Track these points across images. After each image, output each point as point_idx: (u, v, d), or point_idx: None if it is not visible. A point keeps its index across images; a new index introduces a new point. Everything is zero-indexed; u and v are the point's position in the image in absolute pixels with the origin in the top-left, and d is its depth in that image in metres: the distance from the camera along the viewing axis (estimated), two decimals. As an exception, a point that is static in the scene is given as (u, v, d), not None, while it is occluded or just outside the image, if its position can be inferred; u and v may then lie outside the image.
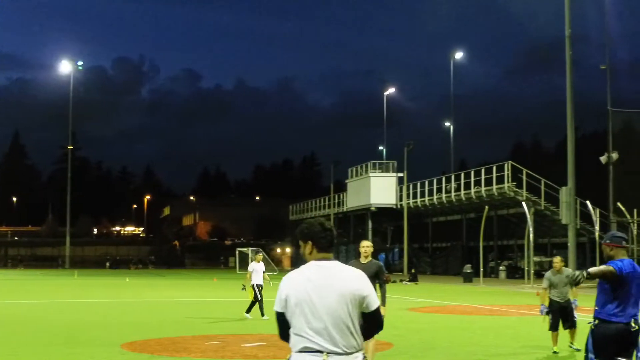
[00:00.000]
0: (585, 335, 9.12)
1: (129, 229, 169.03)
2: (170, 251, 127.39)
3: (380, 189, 78.42)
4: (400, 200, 76.64)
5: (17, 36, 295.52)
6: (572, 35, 48.03)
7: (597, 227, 49.45)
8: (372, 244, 13.30)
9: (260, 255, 26.02)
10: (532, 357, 15.82)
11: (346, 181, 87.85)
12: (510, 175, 60.16)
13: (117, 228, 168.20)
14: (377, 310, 5.34)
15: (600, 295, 8.65)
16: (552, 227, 60.35)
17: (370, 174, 79.26)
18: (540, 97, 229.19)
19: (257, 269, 24.55)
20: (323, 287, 5.18)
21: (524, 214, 50.81)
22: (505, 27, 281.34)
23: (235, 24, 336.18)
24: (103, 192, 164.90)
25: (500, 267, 64.52)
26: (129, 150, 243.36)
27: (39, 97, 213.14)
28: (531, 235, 49.64)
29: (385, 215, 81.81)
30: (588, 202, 48.70)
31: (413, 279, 57.62)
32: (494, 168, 62.51)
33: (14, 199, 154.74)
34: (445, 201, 70.42)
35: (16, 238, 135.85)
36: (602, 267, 8.43)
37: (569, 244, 47.80)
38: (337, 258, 5.46)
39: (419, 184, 75.01)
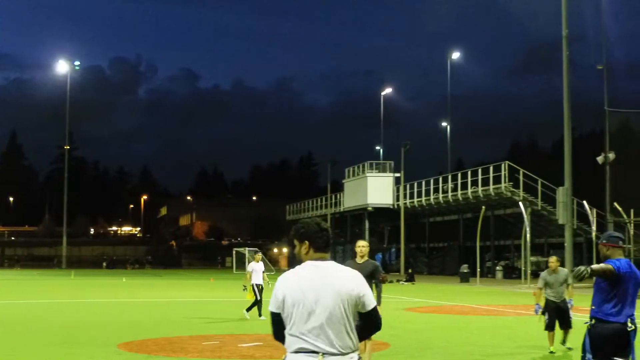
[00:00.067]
0: (580, 335, 9.12)
1: (126, 229, 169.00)
2: (167, 251, 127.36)
3: (377, 189, 78.43)
4: (397, 200, 76.62)
5: (15, 36, 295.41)
6: (569, 36, 48.07)
7: (594, 227, 49.49)
8: (368, 244, 13.30)
9: (259, 255, 26.01)
10: (528, 357, 15.83)
11: (343, 181, 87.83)
12: (507, 175, 60.17)
13: (114, 228, 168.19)
14: (375, 310, 5.33)
15: (597, 294, 8.65)
16: (549, 227, 60.40)
17: (367, 174, 79.28)
18: (537, 97, 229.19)
19: (256, 268, 24.53)
20: (320, 288, 5.17)
21: (520, 214, 50.84)
22: (502, 28, 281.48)
23: (233, 23, 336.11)
24: (100, 192, 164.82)
25: (497, 267, 64.56)
26: (126, 150, 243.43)
27: (36, 97, 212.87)
28: (528, 235, 49.66)
29: (382, 215, 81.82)
30: (585, 202, 48.73)
31: (410, 279, 57.65)
32: (491, 168, 62.52)
33: (11, 198, 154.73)
34: (442, 201, 70.44)
35: (13, 238, 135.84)
36: (602, 265, 8.44)
37: (565, 244, 47.81)
38: (333, 258, 5.45)
39: (416, 184, 75.03)
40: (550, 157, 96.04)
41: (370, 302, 5.31)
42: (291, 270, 5.38)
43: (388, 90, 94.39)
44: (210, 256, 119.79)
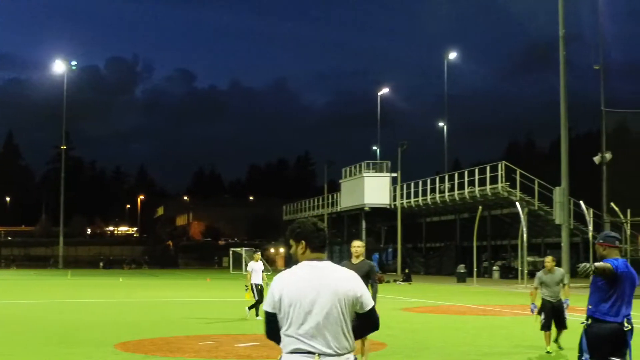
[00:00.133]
0: (576, 335, 9.12)
1: (123, 229, 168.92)
2: (164, 251, 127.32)
3: (374, 189, 78.43)
4: (394, 200, 76.65)
5: (12, 36, 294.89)
6: (566, 36, 48.12)
7: (590, 227, 49.49)
8: (363, 244, 13.30)
9: (258, 255, 25.90)
10: (525, 357, 15.84)
11: (340, 181, 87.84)
12: (504, 175, 60.23)
13: (111, 228, 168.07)
14: (373, 310, 5.32)
15: (594, 294, 8.65)
16: (546, 227, 60.43)
17: (364, 174, 79.28)
18: (534, 97, 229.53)
19: (255, 268, 24.48)
20: (317, 288, 5.15)
21: (517, 214, 50.86)
22: (499, 28, 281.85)
23: (230, 23, 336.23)
24: (97, 192, 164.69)
25: (494, 267, 64.58)
26: (123, 150, 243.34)
27: (33, 97, 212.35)
28: (525, 235, 49.66)
29: (379, 215, 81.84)
30: (582, 202, 48.72)
31: (407, 279, 57.66)
32: (488, 168, 62.57)
33: (8, 199, 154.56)
34: (439, 201, 70.46)
35: (9, 238, 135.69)
36: (603, 263, 8.45)
37: (562, 244, 47.83)
38: (330, 258, 5.45)
39: (412, 184, 75.03)
40: (547, 157, 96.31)
41: (369, 302, 5.30)
42: (288, 270, 5.36)
43: (385, 90, 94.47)
44: (207, 256, 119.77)
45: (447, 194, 68.82)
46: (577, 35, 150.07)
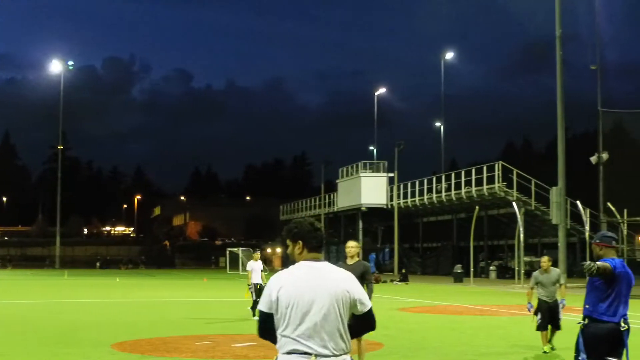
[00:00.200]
0: (572, 335, 9.12)
1: (120, 229, 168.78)
2: (161, 251, 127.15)
3: (370, 189, 78.43)
4: (391, 200, 76.67)
5: (8, 36, 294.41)
6: (563, 36, 48.21)
7: (587, 227, 49.54)
8: (358, 245, 13.26)
9: (257, 254, 25.82)
10: (522, 357, 15.84)
11: (337, 181, 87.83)
12: (500, 175, 60.25)
13: (108, 228, 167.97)
14: (370, 311, 5.31)
15: (591, 293, 8.65)
16: (543, 227, 60.48)
17: (361, 174, 79.28)
18: (531, 97, 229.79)
19: (255, 267, 24.45)
20: (315, 288, 5.13)
21: (514, 214, 50.86)
22: (497, 28, 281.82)
23: (227, 23, 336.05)
24: (93, 192, 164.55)
25: (491, 267, 64.61)
26: (120, 150, 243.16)
27: (30, 97, 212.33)
28: (521, 235, 49.70)
29: (375, 215, 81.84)
30: (578, 202, 48.78)
31: (403, 279, 57.66)
32: (485, 168, 62.59)
33: (4, 198, 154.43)
34: (435, 201, 70.48)
35: (6, 238, 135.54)
36: (603, 263, 8.46)
37: (559, 244, 47.91)
38: (327, 259, 5.43)
39: (409, 184, 75.06)
40: (544, 157, 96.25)
41: (367, 304, 5.28)
42: (285, 270, 5.32)
43: (382, 90, 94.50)
44: (203, 256, 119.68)
45: (444, 194, 68.84)
46: (574, 36, 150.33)
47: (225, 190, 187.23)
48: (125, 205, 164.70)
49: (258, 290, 23.71)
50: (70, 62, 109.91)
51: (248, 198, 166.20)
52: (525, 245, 51.45)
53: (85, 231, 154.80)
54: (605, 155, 50.97)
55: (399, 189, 75.28)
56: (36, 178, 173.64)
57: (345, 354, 5.17)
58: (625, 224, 45.54)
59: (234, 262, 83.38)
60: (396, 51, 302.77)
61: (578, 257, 59.02)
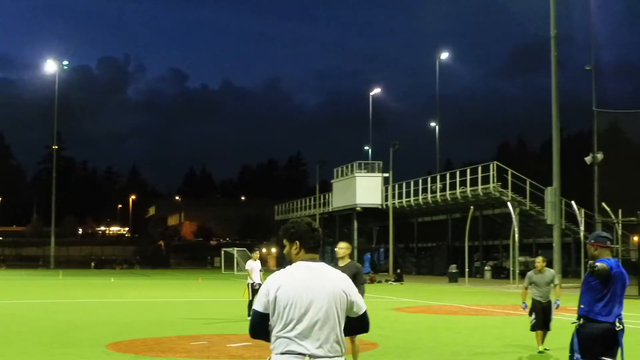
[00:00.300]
0: (566, 335, 9.13)
1: (114, 229, 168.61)
2: (156, 251, 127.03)
3: (365, 189, 78.43)
4: (386, 200, 76.68)
5: (2, 36, 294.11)
6: (558, 36, 48.28)
7: (582, 228, 49.57)
8: (348, 246, 13.15)
9: (256, 254, 25.81)
10: (516, 357, 15.87)
11: (332, 181, 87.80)
12: (495, 175, 60.29)
13: (102, 228, 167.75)
14: (365, 314, 5.31)
15: (586, 293, 8.66)
16: (537, 227, 60.50)
17: (356, 174, 79.27)
18: (526, 97, 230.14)
19: (254, 267, 24.44)
20: (313, 289, 5.11)
21: (509, 214, 50.90)
22: (492, 29, 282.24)
23: (222, 23, 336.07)
24: (88, 192, 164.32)
25: (486, 267, 64.65)
26: (115, 150, 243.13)
27: (24, 96, 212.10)
28: (516, 236, 49.71)
29: (370, 216, 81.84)
30: (573, 203, 48.81)
31: (398, 279, 57.67)
32: (480, 168, 62.63)
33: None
34: (430, 201, 70.50)
35: (1, 238, 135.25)
36: (602, 264, 8.46)
37: (554, 244, 47.95)
38: (322, 259, 5.42)
39: (404, 184, 75.05)
40: (539, 157, 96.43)
41: (362, 306, 5.28)
42: (282, 270, 5.28)
43: (377, 91, 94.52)
44: (198, 256, 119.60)
45: (438, 194, 68.85)
46: (569, 36, 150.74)
47: (220, 191, 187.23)
48: (120, 205, 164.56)
49: (256, 290, 23.65)
50: (65, 62, 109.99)
51: (243, 198, 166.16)
52: (520, 246, 51.46)
53: (80, 231, 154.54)
54: (600, 156, 50.99)
55: (394, 189, 75.29)
56: (31, 178, 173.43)
57: (339, 356, 5.15)
58: (620, 224, 45.52)
59: (229, 262, 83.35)
60: (391, 51, 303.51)
61: (573, 257, 59.08)
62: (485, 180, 61.22)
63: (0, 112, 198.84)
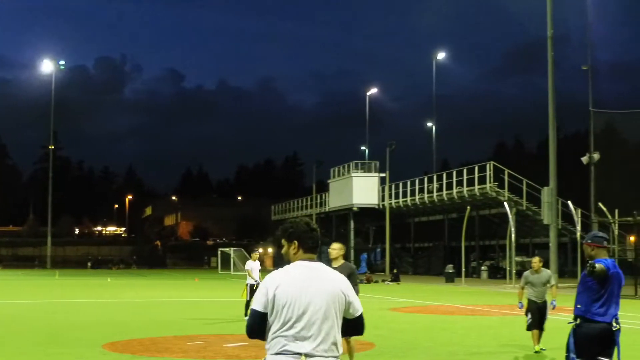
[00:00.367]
0: (562, 335, 9.13)
1: (111, 229, 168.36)
2: (152, 251, 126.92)
3: (362, 189, 78.44)
4: (383, 200, 76.69)
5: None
6: (555, 36, 48.33)
7: (578, 227, 49.65)
8: (342, 246, 13.10)
9: (256, 254, 25.79)
10: (513, 357, 15.88)
11: (328, 181, 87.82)
12: (492, 175, 60.31)
13: (99, 228, 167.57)
14: (361, 316, 5.31)
15: (583, 294, 8.66)
16: (534, 227, 60.56)
17: (353, 174, 79.28)
18: (522, 97, 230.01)
19: (254, 267, 24.44)
20: (312, 289, 5.10)
21: (505, 214, 50.94)
22: (489, 29, 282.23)
23: (218, 23, 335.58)
24: (85, 192, 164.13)
25: (482, 267, 64.68)
26: (111, 150, 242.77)
27: (21, 96, 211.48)
28: (513, 236, 49.77)
29: (367, 216, 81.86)
30: (569, 203, 48.87)
31: (395, 279, 57.66)
32: (476, 168, 62.64)
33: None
34: (427, 201, 70.53)
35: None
36: (600, 266, 8.47)
37: (550, 244, 47.97)
38: (318, 259, 5.42)
39: (401, 184, 75.08)
40: (535, 157, 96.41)
41: (359, 308, 5.29)
42: (281, 269, 5.26)
43: (373, 91, 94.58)
44: (195, 256, 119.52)
45: (435, 194, 68.88)
46: (566, 36, 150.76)
47: (216, 191, 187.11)
48: (116, 205, 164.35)
49: (254, 290, 23.63)
50: (62, 62, 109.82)
51: (240, 198, 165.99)
52: (516, 246, 51.54)
53: (77, 231, 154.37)
54: (596, 156, 51.06)
55: (390, 189, 75.31)
56: (27, 178, 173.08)
57: (335, 357, 5.14)
58: (617, 224, 45.59)
59: (226, 263, 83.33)
60: (388, 51, 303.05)
61: (569, 257, 59.13)
62: (482, 180, 61.25)
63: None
